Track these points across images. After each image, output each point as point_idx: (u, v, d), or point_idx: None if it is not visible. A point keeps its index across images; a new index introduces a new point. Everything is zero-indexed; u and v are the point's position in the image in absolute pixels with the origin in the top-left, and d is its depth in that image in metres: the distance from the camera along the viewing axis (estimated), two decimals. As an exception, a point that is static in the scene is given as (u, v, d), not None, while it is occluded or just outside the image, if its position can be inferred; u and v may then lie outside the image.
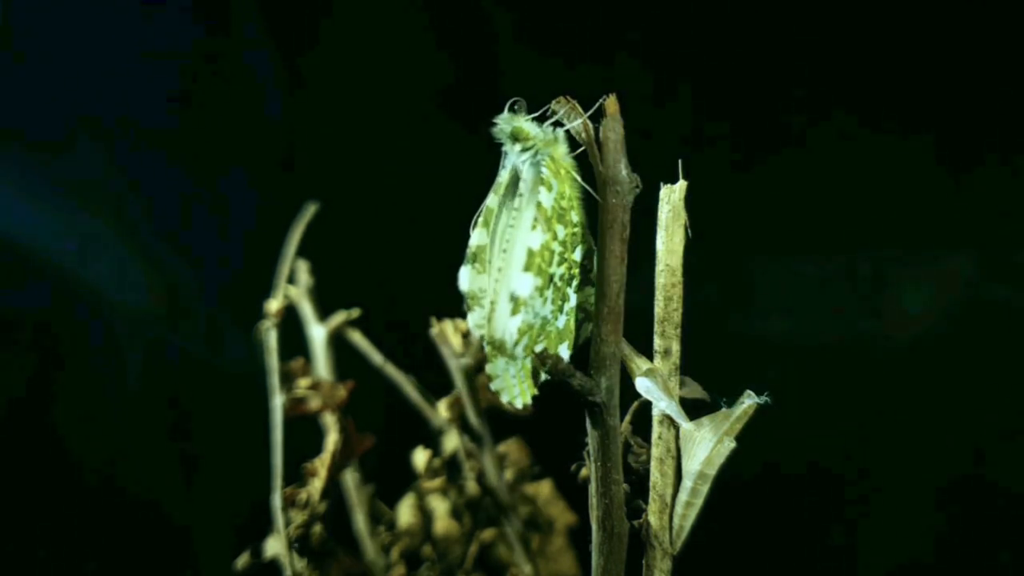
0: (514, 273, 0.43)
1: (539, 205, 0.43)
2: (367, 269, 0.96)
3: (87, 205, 0.96)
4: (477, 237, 0.45)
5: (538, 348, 0.44)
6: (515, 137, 0.43)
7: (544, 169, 0.43)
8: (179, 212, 0.99)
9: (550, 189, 0.43)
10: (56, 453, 0.95)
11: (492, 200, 0.45)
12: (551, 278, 0.44)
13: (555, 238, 0.43)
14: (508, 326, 0.43)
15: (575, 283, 0.45)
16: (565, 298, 0.45)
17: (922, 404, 0.88)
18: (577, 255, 0.45)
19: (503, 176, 0.45)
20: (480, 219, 0.45)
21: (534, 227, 0.43)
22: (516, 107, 0.43)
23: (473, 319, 0.46)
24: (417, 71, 0.96)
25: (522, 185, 0.43)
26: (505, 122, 0.43)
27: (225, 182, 0.98)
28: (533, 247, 0.43)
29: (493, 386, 0.45)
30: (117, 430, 0.97)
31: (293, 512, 0.58)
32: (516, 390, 0.45)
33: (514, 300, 0.43)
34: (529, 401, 0.45)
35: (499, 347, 0.44)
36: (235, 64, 0.97)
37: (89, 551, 0.95)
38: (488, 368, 0.45)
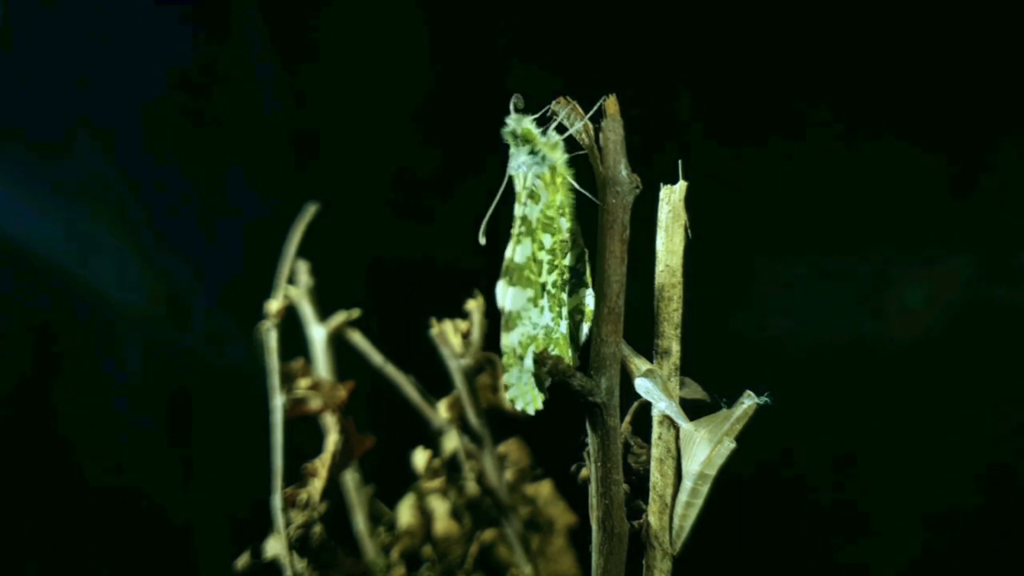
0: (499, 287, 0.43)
1: (524, 218, 0.42)
2: (367, 269, 0.96)
3: (87, 205, 0.96)
4: (509, 250, 0.44)
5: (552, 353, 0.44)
6: (524, 139, 0.43)
7: (538, 180, 0.43)
8: (179, 212, 0.99)
9: (537, 201, 0.43)
10: (56, 453, 0.95)
11: (518, 209, 0.44)
12: (543, 287, 0.44)
13: (541, 248, 0.43)
14: (508, 339, 0.43)
15: (567, 288, 0.45)
16: (562, 303, 0.45)
17: (922, 404, 0.88)
18: (568, 260, 0.44)
19: (516, 183, 0.44)
20: (512, 230, 0.44)
21: (519, 240, 0.42)
22: (516, 102, 0.43)
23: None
24: (417, 72, 0.96)
25: (520, 195, 0.43)
26: (515, 123, 0.43)
27: (225, 182, 0.98)
28: (518, 260, 0.42)
29: (508, 395, 0.45)
30: (117, 430, 0.97)
31: (293, 512, 0.58)
32: (528, 396, 0.45)
33: (506, 315, 0.43)
34: (540, 407, 0.45)
35: (511, 358, 0.44)
36: (235, 64, 0.97)
37: (89, 551, 0.95)
38: (504, 377, 0.45)
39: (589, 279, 0.46)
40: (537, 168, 0.43)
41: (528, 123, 0.43)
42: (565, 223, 0.44)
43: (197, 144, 0.97)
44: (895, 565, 0.89)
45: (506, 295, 0.43)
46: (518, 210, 0.44)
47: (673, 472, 0.44)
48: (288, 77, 0.98)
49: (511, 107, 0.43)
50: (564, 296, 0.45)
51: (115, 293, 0.97)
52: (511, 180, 0.44)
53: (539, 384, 0.44)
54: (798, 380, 0.87)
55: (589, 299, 0.45)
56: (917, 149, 0.87)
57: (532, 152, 0.43)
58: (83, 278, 0.96)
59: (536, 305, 0.43)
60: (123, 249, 0.97)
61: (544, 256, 0.43)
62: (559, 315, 0.45)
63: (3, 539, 0.94)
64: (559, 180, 0.43)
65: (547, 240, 0.43)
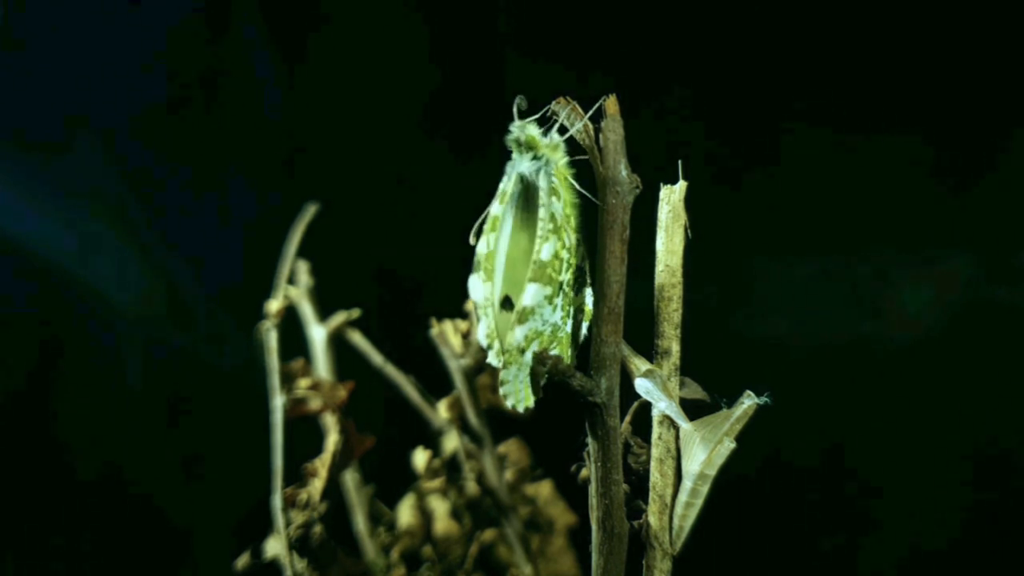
0: (527, 284, 0.43)
1: (552, 215, 0.43)
2: (367, 269, 0.96)
3: (87, 205, 0.96)
4: (484, 245, 0.45)
5: (553, 353, 0.44)
6: (528, 146, 0.43)
7: (554, 178, 0.43)
8: (179, 212, 0.99)
9: (559, 198, 0.43)
10: (56, 453, 0.95)
11: (496, 208, 0.45)
12: (560, 285, 0.44)
13: (564, 246, 0.43)
14: (515, 334, 0.43)
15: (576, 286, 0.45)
16: (572, 302, 0.45)
17: (922, 404, 0.88)
18: (576, 259, 0.45)
19: (507, 184, 0.44)
20: (486, 227, 0.45)
21: (547, 238, 0.43)
22: (519, 103, 0.43)
23: (483, 328, 0.45)
24: (417, 72, 0.96)
25: (542, 195, 0.43)
26: (519, 129, 0.43)
27: (225, 182, 0.98)
28: (544, 258, 0.43)
29: (502, 391, 0.45)
30: (117, 430, 0.97)
31: (293, 512, 0.58)
32: (521, 394, 0.45)
33: (521, 310, 0.43)
34: (531, 405, 0.45)
35: (513, 354, 0.44)
36: (235, 64, 0.97)
37: (89, 551, 0.95)
38: (501, 374, 0.45)
39: (589, 279, 0.46)
40: (547, 168, 0.43)
41: (532, 129, 0.43)
42: (574, 222, 0.44)
43: (197, 144, 0.97)
44: (895, 565, 0.89)
45: (527, 291, 0.43)
46: (496, 209, 0.44)
47: (673, 472, 0.44)
48: (288, 77, 0.98)
49: (515, 110, 0.43)
50: (572, 295, 0.45)
51: (115, 293, 0.97)
52: (510, 184, 0.44)
53: (533, 383, 0.44)
54: (798, 380, 0.87)
55: (589, 299, 0.45)
56: (917, 149, 0.87)
57: (535, 157, 0.43)
58: (83, 278, 0.96)
59: (551, 303, 0.44)
60: (123, 249, 0.97)
61: (564, 254, 0.43)
62: (567, 314, 0.45)
63: (3, 540, 0.94)
64: (562, 178, 0.43)
65: (568, 238, 0.43)
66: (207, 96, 0.98)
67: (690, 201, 0.44)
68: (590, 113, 0.42)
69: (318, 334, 0.70)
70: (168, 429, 0.98)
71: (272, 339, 0.63)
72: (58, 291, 0.96)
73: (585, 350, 0.44)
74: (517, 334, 0.43)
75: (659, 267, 0.44)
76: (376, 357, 0.70)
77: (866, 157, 0.89)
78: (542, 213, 0.43)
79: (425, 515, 0.68)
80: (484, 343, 0.46)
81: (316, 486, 0.59)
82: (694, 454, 0.43)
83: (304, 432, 0.64)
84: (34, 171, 0.95)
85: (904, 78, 0.87)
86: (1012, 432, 0.86)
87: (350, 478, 0.69)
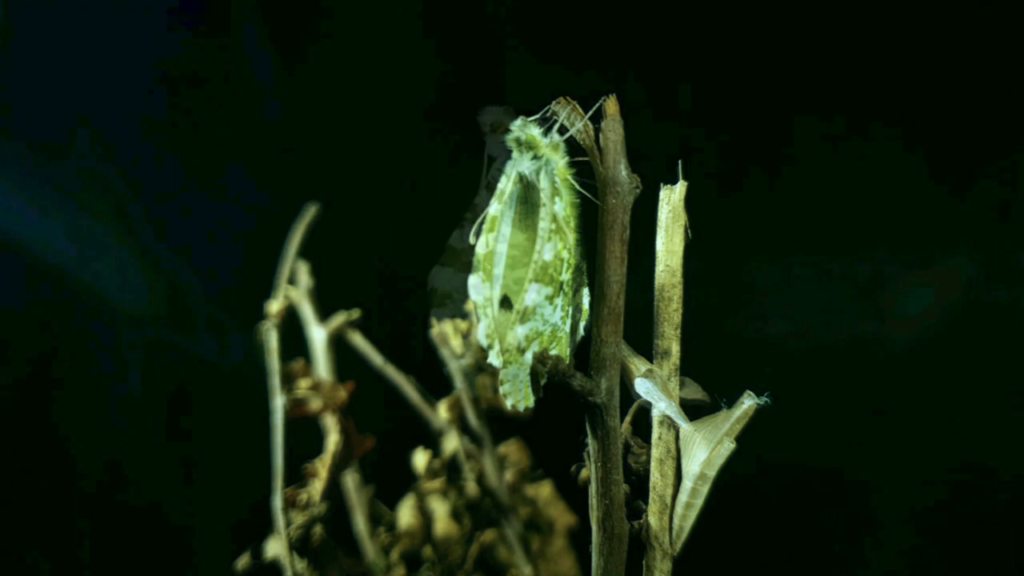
0: (528, 284, 0.43)
1: (553, 215, 0.43)
2: (367, 269, 0.96)
3: (87, 205, 0.96)
4: (482, 245, 0.45)
5: (552, 353, 0.44)
6: (528, 145, 0.43)
7: (557, 179, 0.43)
8: (179, 212, 0.99)
9: (561, 198, 0.43)
10: (56, 453, 0.95)
11: (495, 208, 0.45)
12: (560, 285, 0.44)
13: (565, 246, 0.43)
14: (516, 333, 0.43)
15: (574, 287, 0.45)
16: (571, 303, 0.45)
17: (922, 405, 0.87)
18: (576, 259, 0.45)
19: (506, 184, 0.44)
20: (485, 227, 0.45)
21: (549, 238, 0.43)
22: (495, 119, 0.43)
23: (483, 328, 0.45)
24: (417, 72, 0.96)
25: (543, 195, 0.43)
26: (519, 129, 0.43)
27: (225, 182, 0.98)
28: (547, 258, 0.43)
29: (502, 391, 0.45)
30: (117, 430, 0.97)
31: (294, 513, 0.58)
32: (521, 394, 0.45)
33: (522, 310, 0.43)
34: (531, 404, 0.45)
35: (513, 354, 0.44)
36: (235, 64, 0.97)
37: (89, 551, 0.95)
38: (501, 374, 0.45)
39: (586, 279, 0.46)
40: (548, 168, 0.43)
41: (532, 129, 0.43)
42: (573, 222, 0.44)
43: (197, 144, 0.97)
44: (894, 565, 0.89)
45: (529, 290, 0.43)
46: (494, 209, 0.44)
47: (673, 473, 0.44)
48: (287, 77, 0.98)
49: (487, 126, 0.43)
50: (571, 295, 0.45)
51: (115, 293, 0.97)
52: (509, 184, 0.44)
53: (534, 383, 0.44)
54: (798, 380, 0.87)
55: (586, 298, 0.46)
56: (917, 149, 0.87)
57: (535, 157, 0.43)
58: (83, 278, 0.96)
59: (551, 303, 0.44)
60: (123, 249, 0.97)
61: (565, 254, 0.43)
62: (567, 314, 0.45)
63: (2, 539, 0.94)
64: (561, 180, 0.43)
65: (569, 238, 0.43)
66: (207, 96, 0.98)
67: (690, 201, 0.44)
68: (590, 113, 0.42)
69: (318, 335, 0.70)
70: (168, 429, 0.98)
71: (272, 340, 0.63)
72: (58, 291, 0.96)
73: (584, 350, 0.44)
74: (518, 334, 0.43)
75: (659, 267, 0.44)
76: (376, 358, 0.70)
77: (866, 157, 0.89)
78: (543, 213, 0.43)
79: (425, 516, 0.68)
80: (484, 343, 0.46)
81: (316, 487, 0.59)
82: (694, 454, 0.43)
83: (304, 432, 0.64)
84: (34, 171, 0.95)
85: (904, 78, 0.87)
86: (1013, 432, 0.86)
87: (350, 478, 0.69)
